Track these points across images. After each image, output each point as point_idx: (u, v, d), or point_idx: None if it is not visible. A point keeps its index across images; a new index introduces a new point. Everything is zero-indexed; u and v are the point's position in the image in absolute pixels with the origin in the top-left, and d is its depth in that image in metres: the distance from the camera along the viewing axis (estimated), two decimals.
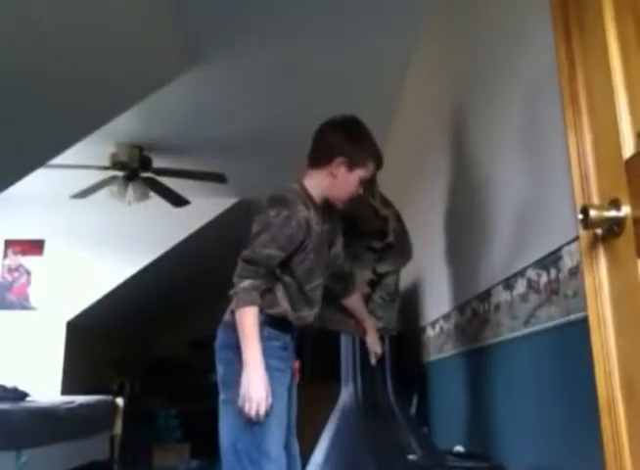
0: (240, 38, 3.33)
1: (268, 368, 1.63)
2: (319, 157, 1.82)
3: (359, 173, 1.82)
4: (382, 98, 4.06)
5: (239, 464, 1.60)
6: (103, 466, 4.62)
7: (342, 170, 1.80)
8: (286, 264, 1.73)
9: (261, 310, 1.68)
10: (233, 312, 1.69)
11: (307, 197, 1.79)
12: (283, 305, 1.73)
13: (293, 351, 1.84)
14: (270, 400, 1.59)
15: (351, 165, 1.80)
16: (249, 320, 1.62)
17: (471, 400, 2.51)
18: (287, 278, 1.74)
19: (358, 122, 1.87)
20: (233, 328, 1.66)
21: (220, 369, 1.74)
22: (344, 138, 1.81)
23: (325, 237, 1.85)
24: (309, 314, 1.81)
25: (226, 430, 1.65)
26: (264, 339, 1.67)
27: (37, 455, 3.52)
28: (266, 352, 1.65)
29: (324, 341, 2.74)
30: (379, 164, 1.89)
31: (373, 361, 2.19)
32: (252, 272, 1.66)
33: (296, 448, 1.85)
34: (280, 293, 1.73)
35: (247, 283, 1.65)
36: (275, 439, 1.64)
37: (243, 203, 5.89)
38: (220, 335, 1.76)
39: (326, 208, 1.88)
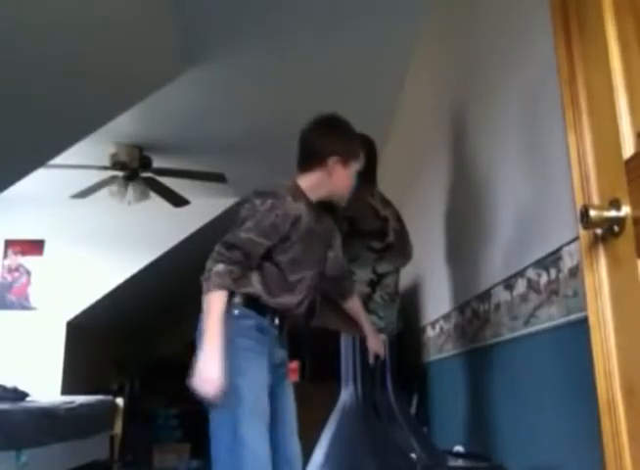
0: (240, 38, 3.33)
1: (239, 348, 1.58)
2: (311, 160, 1.81)
3: (354, 167, 1.84)
4: (382, 98, 4.06)
5: (219, 453, 1.57)
6: (103, 466, 4.62)
7: (338, 168, 1.80)
8: (267, 252, 1.69)
9: (233, 292, 1.62)
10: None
11: (300, 193, 1.77)
12: (255, 287, 1.66)
13: (276, 338, 1.74)
14: (222, 382, 1.51)
15: (346, 161, 1.81)
16: (214, 304, 1.56)
17: (471, 400, 2.51)
18: (266, 264, 1.69)
19: (338, 118, 1.87)
20: None
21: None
22: (333, 136, 1.82)
23: (318, 236, 1.82)
24: (292, 301, 1.73)
25: (211, 420, 1.61)
26: (234, 318, 1.61)
27: (37, 455, 3.52)
28: (237, 333, 1.60)
29: (324, 341, 2.74)
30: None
31: (371, 361, 2.18)
32: (227, 257, 1.61)
33: (292, 449, 1.73)
34: (254, 277, 1.67)
35: (220, 267, 1.59)
36: (248, 424, 1.55)
37: None
38: (200, 324, 1.66)
39: (320, 209, 1.87)
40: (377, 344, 2.18)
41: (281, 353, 1.78)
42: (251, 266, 1.66)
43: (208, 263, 1.62)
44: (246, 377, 1.58)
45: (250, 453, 1.53)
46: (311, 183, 1.80)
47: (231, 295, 1.62)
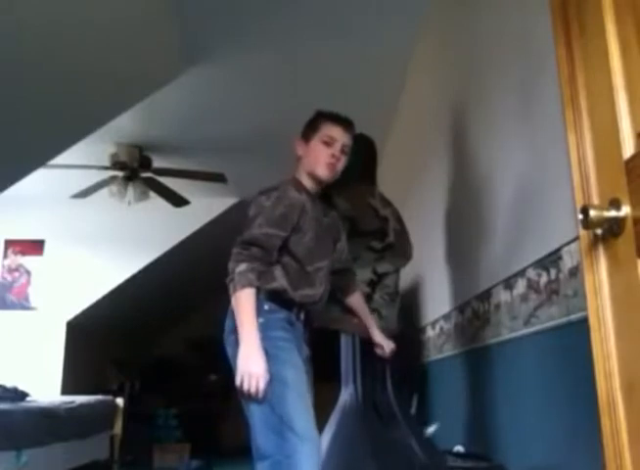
0: (240, 38, 3.33)
1: (273, 339, 1.63)
2: (294, 155, 1.93)
3: (318, 137, 1.86)
4: (382, 98, 4.06)
5: (266, 438, 1.56)
6: (103, 466, 4.62)
7: (302, 147, 1.88)
8: (283, 245, 1.74)
9: (259, 289, 1.67)
10: None
11: (300, 185, 1.85)
12: (280, 282, 1.71)
13: (302, 333, 1.78)
14: (268, 376, 1.56)
15: (306, 137, 1.88)
16: (245, 301, 1.62)
17: (471, 400, 2.51)
18: (285, 258, 1.74)
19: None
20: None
21: (230, 354, 1.71)
22: (302, 129, 1.93)
23: (325, 227, 1.88)
24: (315, 293, 1.78)
25: (251, 413, 1.61)
26: (265, 313, 1.67)
27: (37, 455, 3.51)
28: (270, 325, 1.65)
29: (324, 341, 2.74)
30: (334, 118, 1.88)
31: (388, 352, 2.14)
32: (247, 256, 1.66)
33: None
34: (278, 271, 1.72)
35: (243, 266, 1.65)
36: (297, 411, 1.58)
37: (243, 203, 5.89)
38: (227, 322, 1.74)
39: (324, 202, 1.94)
40: (382, 337, 2.15)
41: (306, 350, 1.80)
42: (271, 261, 1.71)
43: (230, 265, 1.68)
44: (287, 364, 1.63)
45: (297, 437, 1.54)
46: (298, 171, 1.89)
47: (258, 291, 1.67)
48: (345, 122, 1.89)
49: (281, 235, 1.72)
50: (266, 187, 1.81)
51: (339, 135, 1.85)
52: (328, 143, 1.84)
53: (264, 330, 1.63)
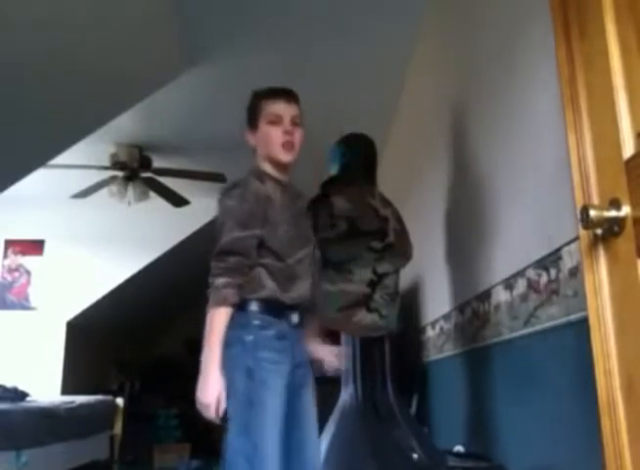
0: (240, 38, 3.33)
1: (260, 360, 1.55)
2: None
3: (263, 119, 1.77)
4: (382, 98, 4.06)
5: (234, 462, 1.52)
6: (103, 466, 4.62)
7: (252, 136, 1.80)
8: (259, 243, 1.62)
9: (248, 299, 1.59)
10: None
11: (264, 174, 1.73)
12: (269, 286, 1.61)
13: (298, 338, 1.67)
14: (224, 405, 1.51)
15: (252, 125, 1.80)
16: (216, 321, 1.52)
17: (471, 400, 2.51)
18: (265, 260, 1.62)
19: None
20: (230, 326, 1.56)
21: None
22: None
23: (300, 211, 1.78)
24: (304, 288, 1.67)
25: (230, 430, 1.56)
26: (255, 329, 1.58)
27: (37, 455, 3.52)
28: (258, 344, 1.57)
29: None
30: (273, 93, 1.80)
31: (330, 372, 1.94)
32: (224, 268, 1.56)
33: (310, 454, 1.68)
34: (263, 274, 1.61)
35: (219, 281, 1.55)
36: (270, 437, 1.52)
37: None
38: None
39: (297, 189, 1.84)
40: (328, 352, 1.89)
41: (302, 352, 1.70)
42: (252, 264, 1.60)
43: (209, 279, 1.59)
44: (270, 391, 1.55)
45: (269, 464, 1.50)
46: (257, 163, 1.78)
47: (246, 303, 1.59)
48: (286, 94, 1.78)
49: (255, 234, 1.60)
50: (228, 185, 1.70)
51: (283, 109, 1.74)
52: (275, 122, 1.73)
53: (253, 349, 1.56)
